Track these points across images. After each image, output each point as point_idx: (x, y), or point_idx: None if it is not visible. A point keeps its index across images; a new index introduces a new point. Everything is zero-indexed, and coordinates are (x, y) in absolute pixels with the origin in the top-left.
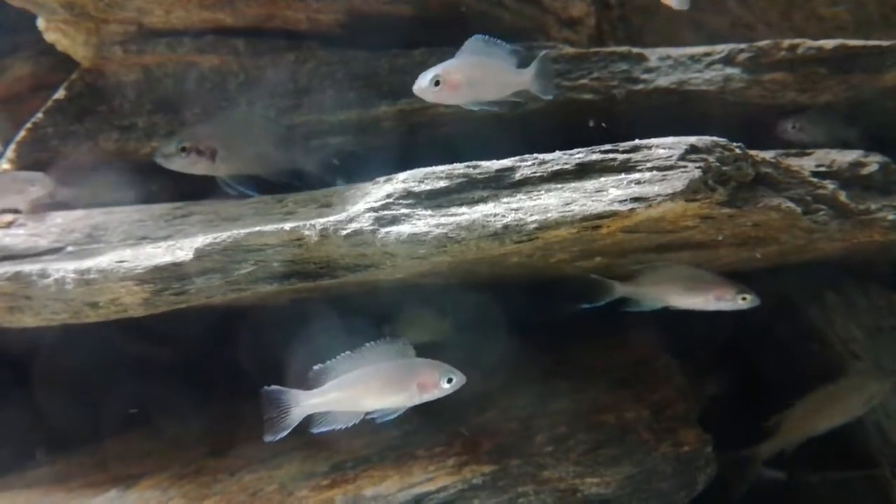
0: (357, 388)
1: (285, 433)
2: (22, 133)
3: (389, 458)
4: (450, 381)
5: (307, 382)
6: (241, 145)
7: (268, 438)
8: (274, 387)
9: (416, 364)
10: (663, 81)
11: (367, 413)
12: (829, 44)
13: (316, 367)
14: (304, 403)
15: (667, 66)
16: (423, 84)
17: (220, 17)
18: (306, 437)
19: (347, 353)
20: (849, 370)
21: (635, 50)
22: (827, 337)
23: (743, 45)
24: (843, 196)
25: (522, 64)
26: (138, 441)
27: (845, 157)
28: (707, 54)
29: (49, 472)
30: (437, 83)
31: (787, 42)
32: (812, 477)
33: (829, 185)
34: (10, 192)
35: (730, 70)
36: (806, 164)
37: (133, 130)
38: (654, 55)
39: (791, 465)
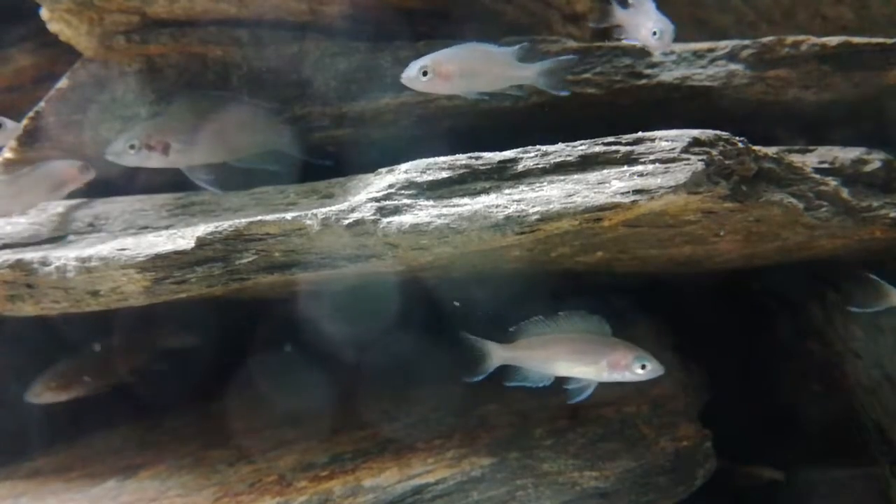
0: (548, 351)
1: (481, 378)
2: (25, 122)
3: (388, 449)
4: (643, 367)
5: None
6: (198, 136)
7: (466, 379)
8: (472, 336)
9: (612, 342)
10: (667, 77)
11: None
12: (832, 41)
13: (514, 327)
14: (497, 354)
15: (670, 61)
16: (410, 74)
17: (224, 7)
18: (306, 428)
19: (540, 317)
20: (848, 369)
21: (638, 45)
22: (827, 335)
23: (747, 42)
24: (845, 193)
25: (527, 59)
26: (137, 432)
27: (848, 154)
28: (711, 50)
29: (48, 463)
30: (424, 73)
31: (790, 38)
32: (810, 475)
33: (832, 182)
34: None
35: (733, 66)
36: (808, 160)
37: (136, 121)
38: (657, 50)
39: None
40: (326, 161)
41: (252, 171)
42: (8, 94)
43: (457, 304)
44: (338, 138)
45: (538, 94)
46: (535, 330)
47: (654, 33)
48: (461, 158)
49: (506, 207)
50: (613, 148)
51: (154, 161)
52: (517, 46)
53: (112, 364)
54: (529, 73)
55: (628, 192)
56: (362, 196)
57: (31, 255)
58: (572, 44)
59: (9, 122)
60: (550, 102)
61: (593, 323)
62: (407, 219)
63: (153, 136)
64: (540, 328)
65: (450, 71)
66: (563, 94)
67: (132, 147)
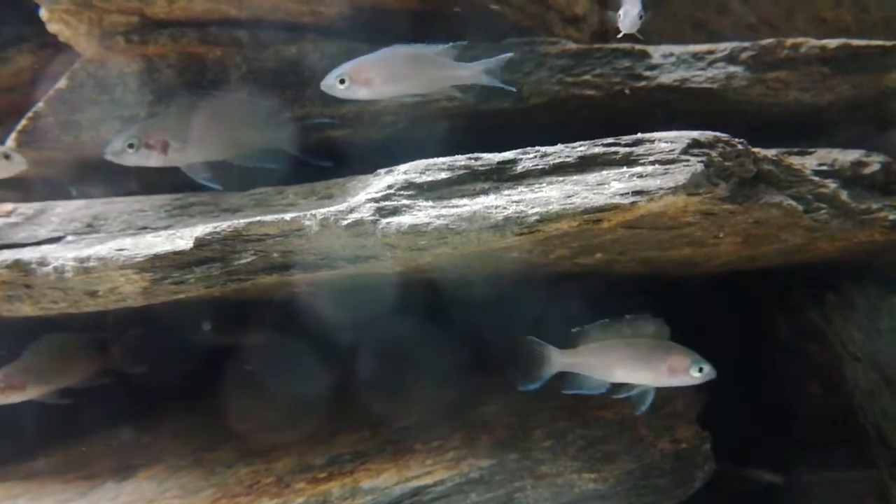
0: (609, 357)
1: (538, 385)
2: (23, 122)
3: (387, 451)
4: (700, 370)
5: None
6: (196, 134)
7: (521, 387)
8: (533, 338)
9: (670, 346)
10: (666, 79)
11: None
12: (832, 43)
13: (574, 330)
14: (557, 360)
15: (669, 63)
16: (328, 82)
17: (224, 7)
18: (304, 430)
19: (605, 320)
20: (846, 372)
21: (638, 47)
22: (825, 337)
23: (746, 44)
24: (844, 195)
25: (466, 58)
26: (135, 434)
27: (847, 156)
28: (710, 52)
29: (46, 464)
30: (342, 81)
31: (790, 41)
32: (809, 477)
33: (831, 184)
34: None
35: (732, 68)
36: (808, 162)
37: (135, 121)
38: (657, 52)
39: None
40: (325, 161)
41: (253, 170)
42: (7, 94)
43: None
44: (337, 139)
45: (538, 94)
46: (597, 334)
47: (620, 15)
48: (460, 159)
49: (505, 208)
50: (613, 149)
51: (154, 160)
52: (450, 45)
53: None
54: (469, 73)
55: (628, 193)
56: (361, 197)
57: (29, 255)
58: (571, 45)
59: (16, 156)
60: (550, 104)
61: (655, 327)
62: (406, 219)
63: (152, 135)
64: (602, 332)
65: (369, 77)
66: (510, 89)
67: (131, 146)
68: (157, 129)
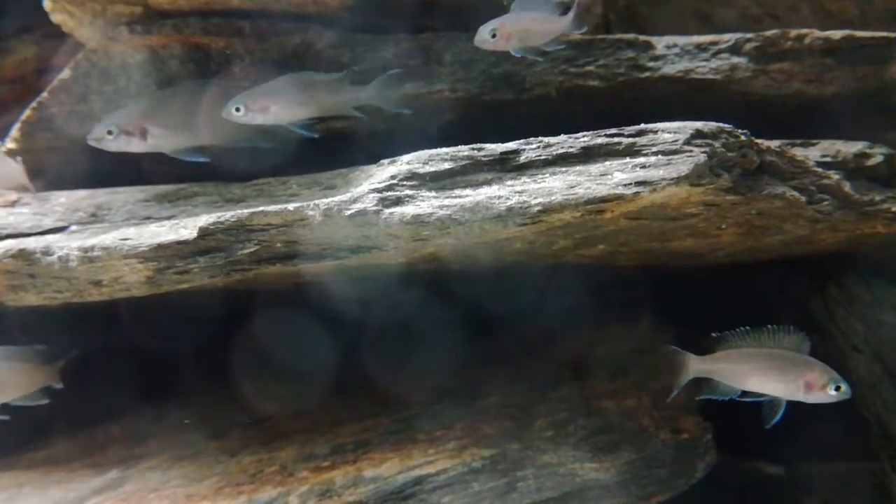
0: (746, 366)
1: (676, 393)
2: (27, 112)
3: (389, 441)
4: (837, 389)
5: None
6: (177, 119)
7: (669, 398)
8: (672, 347)
9: (809, 362)
10: (669, 70)
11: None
12: (836, 34)
13: (713, 335)
14: (693, 367)
15: (673, 54)
16: (229, 111)
17: None
18: (307, 420)
19: (747, 328)
20: (849, 364)
21: (642, 37)
22: (828, 329)
23: (750, 35)
24: (847, 187)
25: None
26: (139, 424)
27: (850, 148)
28: (714, 43)
29: (50, 454)
30: (237, 109)
31: (794, 32)
32: (810, 469)
33: (834, 176)
34: None
35: (736, 59)
36: (811, 153)
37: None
38: (660, 43)
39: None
40: (312, 133)
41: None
42: (11, 85)
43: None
44: (340, 130)
45: (541, 85)
46: (735, 341)
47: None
48: (463, 150)
49: (508, 199)
50: (616, 140)
51: (135, 146)
52: (344, 73)
53: None
54: (365, 95)
55: (631, 183)
56: (364, 187)
57: (33, 244)
58: (575, 36)
59: (13, 162)
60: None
61: (796, 340)
62: (409, 210)
63: (130, 122)
64: (741, 340)
65: (265, 105)
66: (406, 111)
67: (110, 133)
68: (135, 115)
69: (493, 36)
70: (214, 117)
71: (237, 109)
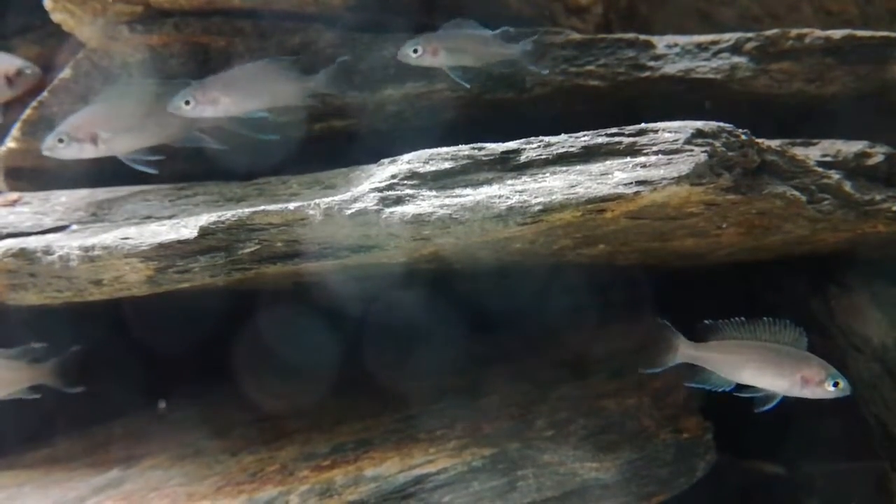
0: (740, 357)
1: (660, 370)
2: (28, 112)
3: (390, 440)
4: (835, 385)
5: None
6: (125, 122)
7: (642, 369)
8: (666, 323)
9: (807, 356)
10: (670, 69)
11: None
12: (836, 34)
13: (706, 322)
14: (684, 351)
15: (674, 53)
16: (176, 103)
17: None
18: (308, 419)
19: (742, 319)
20: (849, 363)
21: (642, 37)
22: (828, 329)
23: (750, 34)
24: (847, 186)
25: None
26: (139, 423)
27: (851, 147)
28: (714, 42)
29: (51, 453)
30: (187, 102)
31: (794, 31)
32: (811, 469)
33: (835, 175)
34: None
35: (737, 59)
36: (811, 153)
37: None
38: (661, 42)
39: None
40: (271, 136)
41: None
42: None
43: None
44: (340, 129)
45: (541, 85)
46: (730, 331)
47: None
48: (464, 149)
49: (508, 198)
50: (616, 139)
51: (87, 152)
52: (293, 59)
53: None
54: (315, 84)
55: (631, 183)
56: (365, 186)
57: (34, 243)
58: (576, 35)
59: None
60: (554, 94)
61: (793, 334)
62: (409, 209)
63: (80, 129)
64: (736, 330)
65: (214, 97)
66: (352, 93)
67: (61, 141)
68: (84, 121)
69: (416, 52)
70: (163, 116)
71: (186, 102)
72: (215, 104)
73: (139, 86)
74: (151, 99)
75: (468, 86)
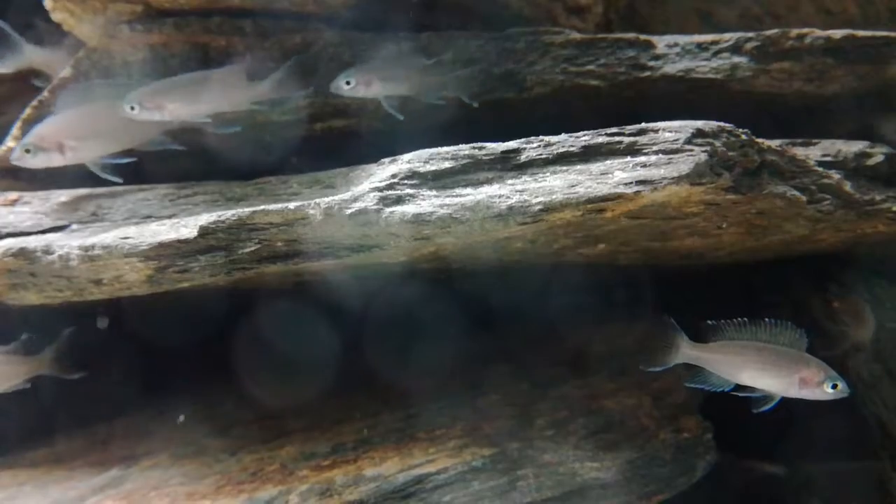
0: (739, 357)
1: (660, 369)
2: (27, 111)
3: (390, 440)
4: (834, 387)
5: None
6: (90, 129)
7: (644, 367)
8: (671, 321)
9: (806, 358)
10: (670, 69)
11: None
12: (837, 33)
13: (708, 323)
14: (685, 351)
15: (674, 53)
16: (124, 107)
17: None
18: (308, 419)
19: (742, 319)
20: (849, 363)
21: (643, 37)
22: (828, 329)
23: (751, 34)
24: (847, 186)
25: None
26: (139, 422)
27: (851, 147)
28: (714, 42)
29: (51, 452)
30: (132, 108)
31: (795, 31)
32: (810, 469)
33: (835, 175)
34: None
35: (737, 59)
36: (812, 153)
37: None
38: (661, 42)
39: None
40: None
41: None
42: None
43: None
44: (341, 129)
45: (542, 84)
46: (731, 332)
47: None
48: (464, 148)
49: (508, 197)
50: (617, 139)
51: (55, 160)
52: (235, 66)
53: None
54: (263, 89)
55: (631, 182)
56: (365, 186)
57: (34, 243)
58: (576, 35)
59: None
60: (554, 94)
61: (793, 335)
62: (410, 208)
63: (45, 138)
64: (737, 331)
65: (159, 103)
66: (301, 93)
67: (27, 151)
68: (49, 131)
69: (348, 84)
70: (129, 121)
71: (132, 108)
72: (161, 110)
73: (102, 92)
74: (115, 105)
75: (401, 117)
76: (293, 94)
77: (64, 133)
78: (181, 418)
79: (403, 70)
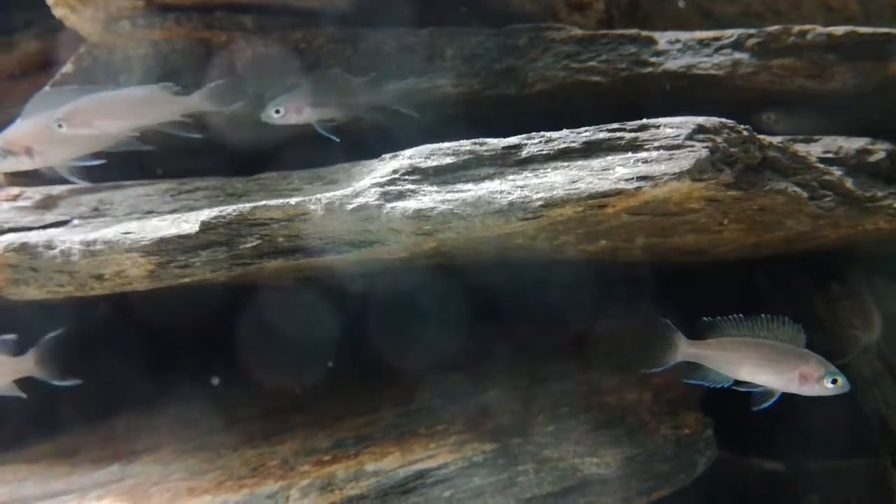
0: (738, 354)
1: (660, 370)
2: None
3: (391, 435)
4: (834, 382)
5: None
6: (57, 134)
7: (645, 370)
8: (668, 321)
9: (805, 353)
10: (672, 65)
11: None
12: (838, 30)
13: (705, 320)
14: (683, 349)
15: (675, 49)
16: (51, 123)
17: None
18: (309, 414)
19: (740, 316)
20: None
21: (644, 33)
22: (829, 326)
23: (752, 30)
24: (849, 183)
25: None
26: (141, 417)
27: (852, 144)
28: (716, 38)
29: (52, 448)
30: (60, 125)
31: (796, 28)
32: (811, 466)
33: (836, 172)
34: None
35: (739, 55)
36: (813, 149)
37: None
38: (662, 38)
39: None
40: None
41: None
42: (14, 81)
43: None
44: (341, 125)
45: (543, 81)
46: (729, 329)
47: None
48: (465, 144)
49: (509, 193)
50: (618, 135)
51: (24, 164)
52: (162, 84)
53: None
54: (192, 102)
55: (632, 178)
56: (366, 181)
57: (35, 238)
58: (577, 31)
59: None
60: (556, 90)
61: (792, 331)
62: (411, 204)
63: (13, 143)
64: (735, 328)
65: (87, 119)
66: (233, 107)
67: None
68: (17, 136)
69: (278, 112)
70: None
71: (59, 125)
72: (88, 126)
73: (73, 97)
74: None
75: (337, 139)
76: (224, 107)
77: (31, 138)
78: (216, 381)
79: (335, 93)
